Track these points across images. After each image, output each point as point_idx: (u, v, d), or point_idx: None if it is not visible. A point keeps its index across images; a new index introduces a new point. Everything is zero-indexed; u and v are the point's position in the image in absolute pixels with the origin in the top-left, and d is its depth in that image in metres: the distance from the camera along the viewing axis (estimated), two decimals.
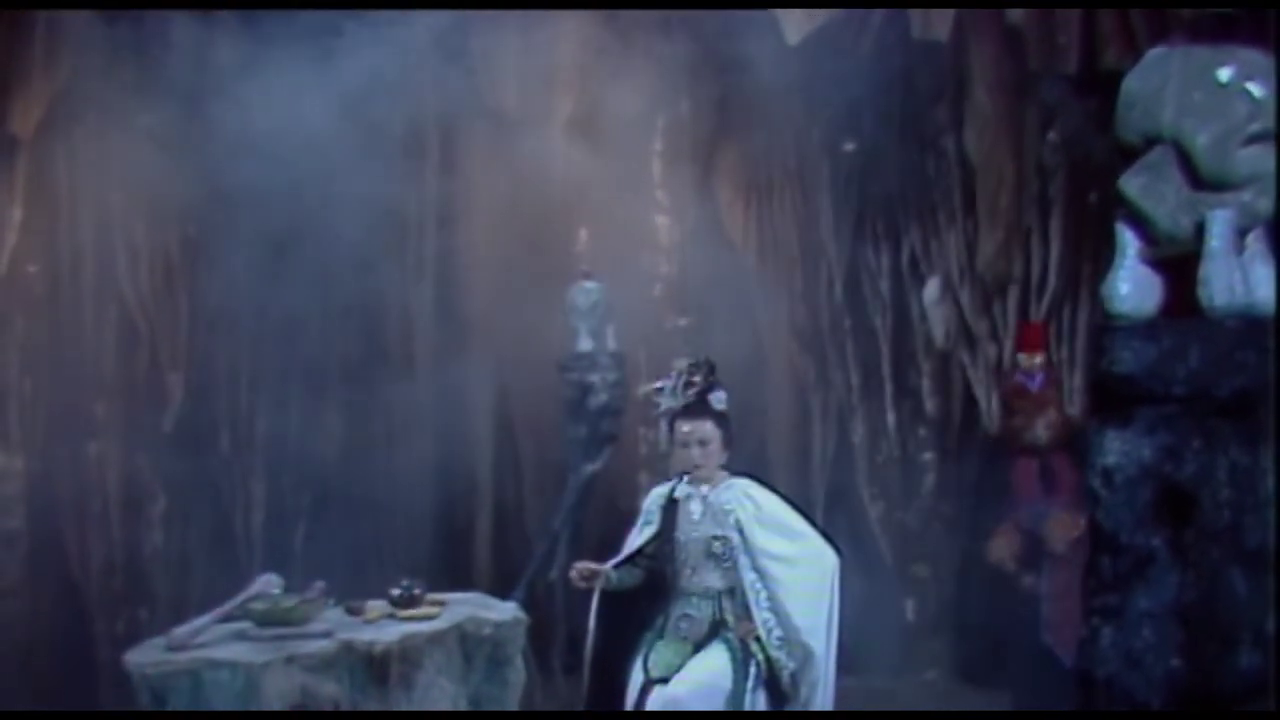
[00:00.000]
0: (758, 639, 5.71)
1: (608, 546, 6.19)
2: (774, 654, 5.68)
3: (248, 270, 9.20)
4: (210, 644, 5.82)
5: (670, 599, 5.87)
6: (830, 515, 9.25)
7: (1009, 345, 8.56)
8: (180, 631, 5.88)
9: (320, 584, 6.38)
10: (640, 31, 9.32)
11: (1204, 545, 3.95)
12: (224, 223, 9.19)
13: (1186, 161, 3.99)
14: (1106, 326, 4.14)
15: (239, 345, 9.46)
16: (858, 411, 9.24)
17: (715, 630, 5.76)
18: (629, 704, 5.75)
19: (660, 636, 5.83)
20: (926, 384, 8.97)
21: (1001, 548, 7.73)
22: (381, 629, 6.02)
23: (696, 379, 5.91)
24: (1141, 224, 4.07)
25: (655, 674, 5.72)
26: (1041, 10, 7.71)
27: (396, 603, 6.31)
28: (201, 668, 5.61)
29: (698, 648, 5.75)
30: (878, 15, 8.58)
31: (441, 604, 6.37)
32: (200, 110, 9.07)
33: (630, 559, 5.96)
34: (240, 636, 5.93)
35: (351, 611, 6.33)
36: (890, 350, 9.12)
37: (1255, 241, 4.05)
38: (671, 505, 5.92)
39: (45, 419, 9.07)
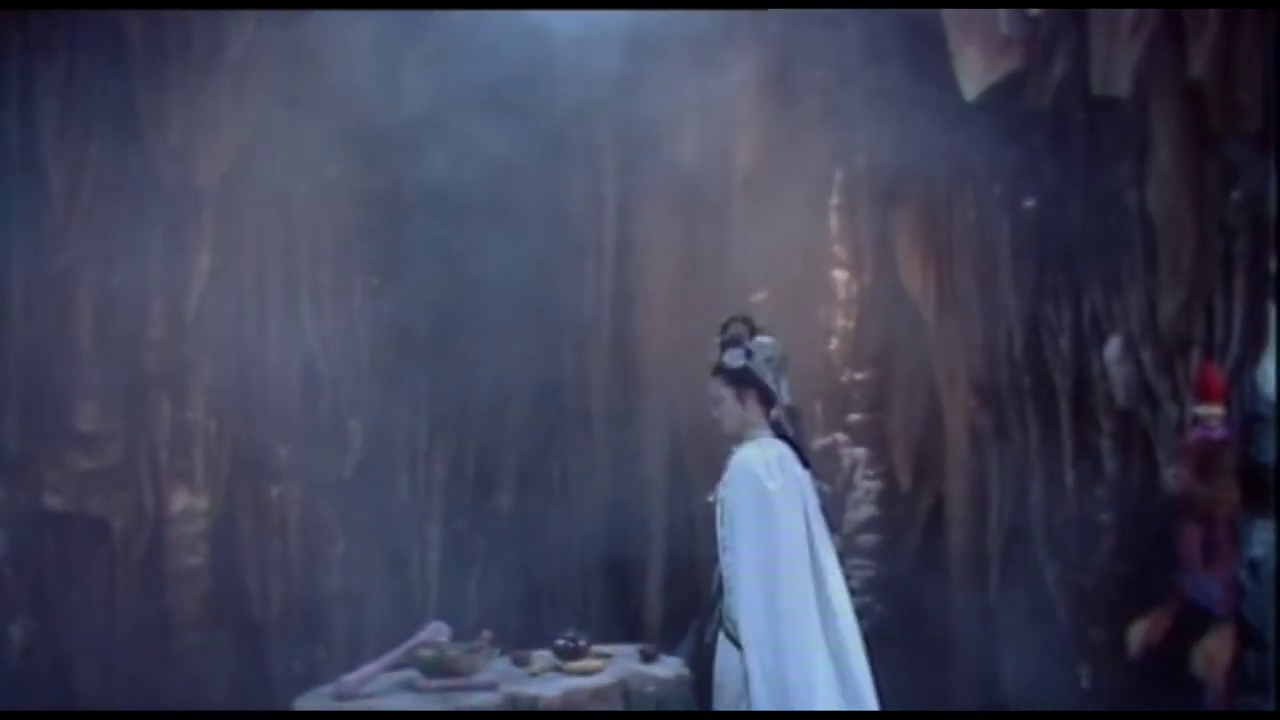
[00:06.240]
0: None
1: None
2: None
3: (427, 321, 9.39)
4: (378, 693, 5.91)
5: None
6: (1005, 573, 9.13)
7: (1191, 406, 8.35)
8: (349, 680, 5.98)
9: (487, 633, 6.45)
10: (817, 84, 9.35)
11: None
12: (407, 274, 9.37)
13: None
14: (1255, 414, 4.05)
15: (418, 394, 9.60)
16: (1035, 469, 9.08)
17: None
18: None
19: None
20: (1106, 444, 8.77)
21: (1139, 632, 7.39)
22: (546, 683, 6.06)
23: (720, 338, 5.87)
24: None
25: None
26: (1223, 66, 7.58)
27: (561, 654, 6.35)
28: None
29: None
30: (1056, 70, 8.48)
31: (607, 657, 6.39)
32: (385, 160, 9.30)
33: None
34: (407, 686, 6.01)
35: (518, 662, 6.38)
36: (1070, 408, 8.92)
37: None
38: None
39: (229, 461, 9.27)
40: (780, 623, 5.48)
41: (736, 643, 5.56)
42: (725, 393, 5.82)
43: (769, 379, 5.89)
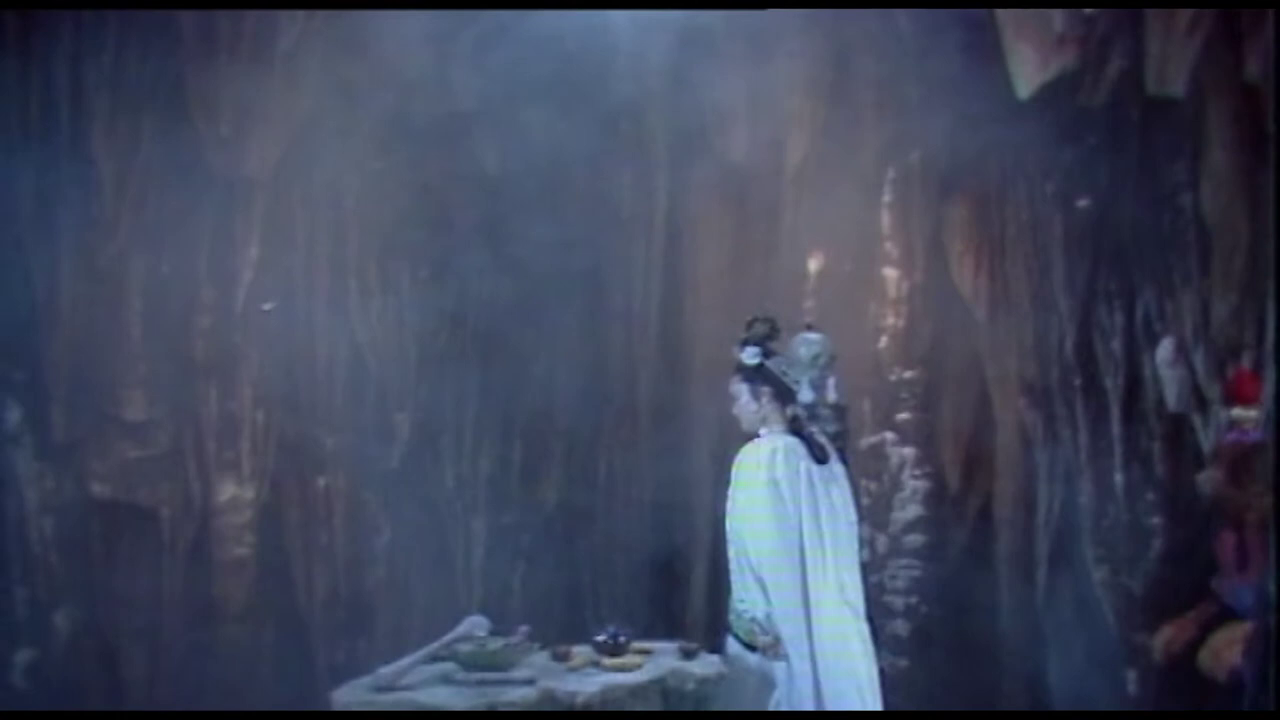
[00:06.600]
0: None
1: None
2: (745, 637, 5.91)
3: (476, 313, 9.38)
4: (416, 686, 5.89)
5: None
6: (1053, 575, 9.06)
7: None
8: (387, 671, 5.96)
9: (525, 628, 6.43)
10: (870, 80, 9.30)
11: None
12: (456, 266, 9.37)
13: None
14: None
15: (466, 386, 9.58)
16: (1085, 471, 8.99)
17: None
18: None
19: None
20: (1157, 447, 8.69)
21: (1162, 638, 7.31)
22: (584, 679, 6.02)
23: (742, 335, 6.09)
24: None
25: None
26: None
27: (602, 649, 6.31)
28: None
29: None
30: (1111, 69, 8.42)
31: (647, 654, 6.36)
32: (436, 152, 9.30)
33: None
34: (446, 679, 5.98)
35: (557, 657, 6.35)
36: (1121, 410, 8.84)
37: None
38: None
39: (276, 451, 9.28)
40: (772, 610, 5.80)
41: (732, 631, 5.73)
42: (741, 389, 6.06)
43: (788, 378, 6.07)
